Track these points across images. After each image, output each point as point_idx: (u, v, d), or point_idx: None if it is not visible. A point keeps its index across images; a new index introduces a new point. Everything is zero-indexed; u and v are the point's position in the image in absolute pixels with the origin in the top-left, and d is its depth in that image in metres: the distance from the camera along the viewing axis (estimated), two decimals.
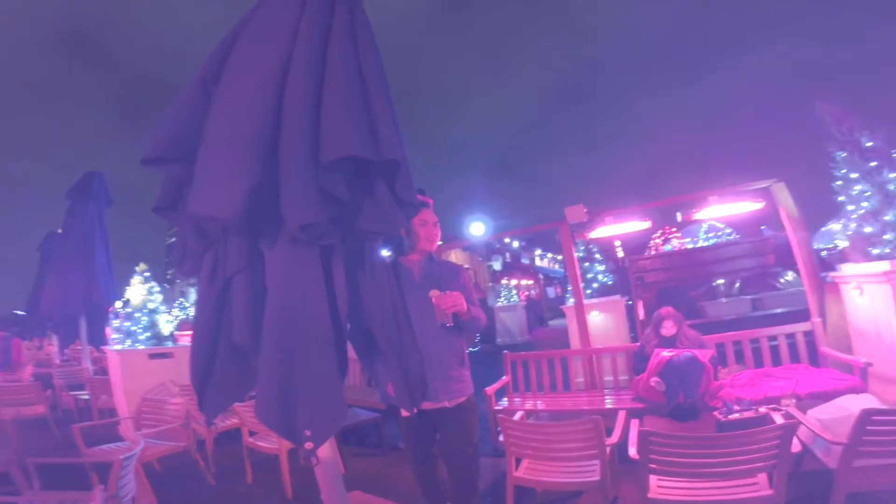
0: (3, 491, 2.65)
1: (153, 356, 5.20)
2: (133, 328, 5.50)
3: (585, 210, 4.55)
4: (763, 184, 4.10)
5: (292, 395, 1.27)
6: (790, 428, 2.03)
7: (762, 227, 8.11)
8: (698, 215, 4.69)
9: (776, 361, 3.88)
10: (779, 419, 2.58)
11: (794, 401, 3.00)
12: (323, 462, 1.64)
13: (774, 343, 3.94)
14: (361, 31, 1.44)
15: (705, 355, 3.47)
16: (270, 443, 3.61)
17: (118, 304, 6.02)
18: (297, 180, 1.24)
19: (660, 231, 9.97)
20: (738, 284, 6.15)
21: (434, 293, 2.07)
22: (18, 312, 8.09)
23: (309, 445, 1.29)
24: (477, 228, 7.16)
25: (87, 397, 5.98)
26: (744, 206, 4.31)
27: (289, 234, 1.26)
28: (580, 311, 4.76)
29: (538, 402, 4.20)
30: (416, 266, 2.28)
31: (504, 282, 25.64)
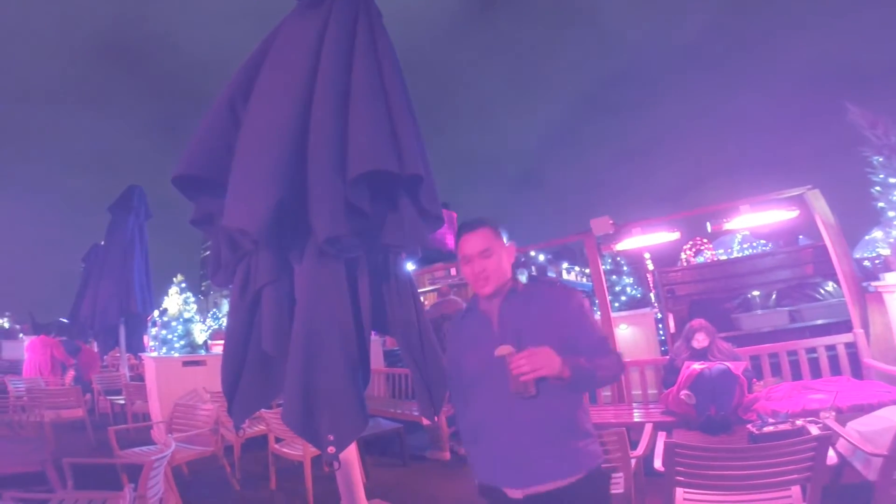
0: (38, 490, 2.75)
1: (187, 363, 5.36)
2: (169, 336, 5.70)
3: (612, 222, 4.48)
4: (796, 191, 3.95)
5: (317, 401, 1.31)
6: (825, 439, 1.94)
7: (799, 237, 7.80)
8: (729, 225, 4.53)
9: (815, 374, 3.71)
10: (815, 431, 2.45)
11: (833, 413, 2.85)
12: (344, 468, 1.66)
13: (814, 356, 3.77)
14: (383, 47, 1.49)
15: (739, 367, 3.34)
16: (295, 450, 3.65)
17: (156, 313, 6.25)
18: (324, 194, 1.29)
19: (690, 242, 9.71)
20: (774, 296, 5.91)
21: (502, 351, 1.32)
22: (62, 320, 8.48)
23: (331, 450, 1.33)
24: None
25: (122, 402, 6.20)
26: (777, 215, 4.15)
27: (316, 248, 1.31)
28: (607, 324, 4.66)
29: None
30: (493, 309, 1.50)
31: None
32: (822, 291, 5.14)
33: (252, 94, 1.43)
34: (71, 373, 7.09)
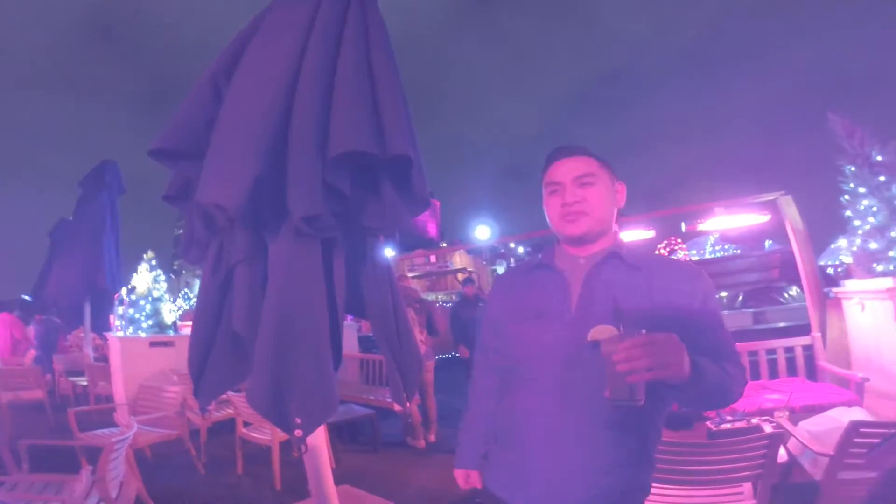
0: None
1: (154, 344, 5.24)
2: (136, 316, 5.56)
3: None
4: (770, 196, 4.07)
5: (285, 383, 1.29)
6: (777, 437, 2.02)
7: (767, 242, 8.04)
8: (703, 226, 4.65)
9: (774, 375, 3.86)
10: (769, 430, 2.56)
11: (787, 413, 2.97)
12: (312, 453, 1.66)
13: (773, 357, 3.91)
14: (375, 30, 1.47)
15: None
16: (263, 434, 3.62)
17: (123, 290, 6.08)
18: (303, 173, 1.27)
19: (665, 241, 9.92)
20: (741, 298, 6.11)
21: (600, 333, 0.95)
22: (25, 297, 8.19)
23: (299, 433, 1.31)
24: (482, 232, 7.15)
25: (85, 384, 6.03)
26: (749, 219, 4.27)
27: (292, 227, 1.29)
28: None
29: None
30: (578, 270, 1.11)
31: None
32: (786, 295, 5.34)
33: (237, 72, 1.40)
34: (31, 352, 6.86)
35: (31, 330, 7.17)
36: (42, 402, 5.48)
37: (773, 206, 4.11)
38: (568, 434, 1.00)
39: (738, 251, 8.03)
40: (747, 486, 2.16)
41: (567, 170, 1.10)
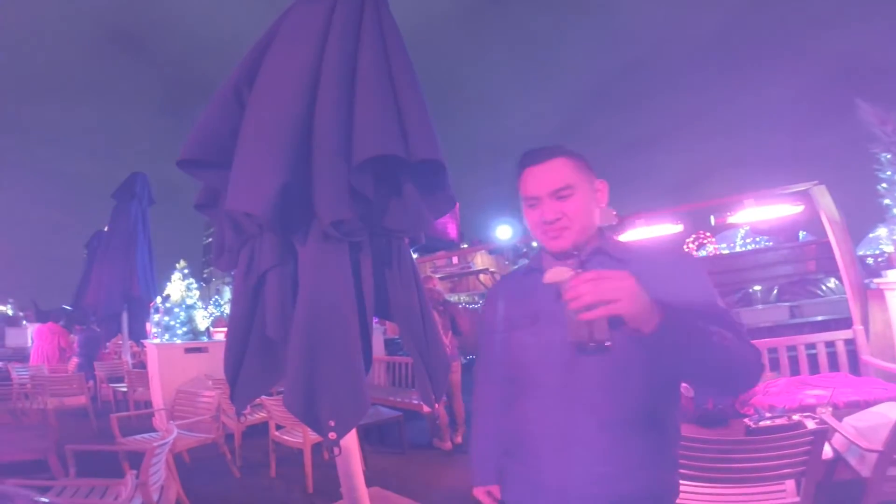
0: (40, 477, 2.78)
1: (189, 350, 5.40)
2: (171, 323, 5.73)
3: (615, 213, 4.47)
4: (802, 186, 3.93)
5: (318, 386, 1.32)
6: (821, 433, 1.94)
7: (800, 234, 7.77)
8: (733, 219, 4.51)
9: (814, 370, 3.71)
10: (812, 426, 2.47)
11: (830, 409, 2.86)
12: (344, 455, 1.68)
13: (812, 352, 3.77)
14: (389, 33, 1.48)
15: None
16: (296, 437, 3.68)
17: (158, 299, 6.28)
18: (329, 178, 1.28)
19: (693, 236, 9.68)
20: (776, 291, 5.91)
21: (556, 275, 0.92)
22: (66, 307, 8.53)
23: (332, 436, 1.33)
24: (504, 232, 7.09)
25: (125, 389, 6.25)
26: (781, 210, 4.13)
27: (320, 231, 1.31)
28: None
29: None
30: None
31: None
32: (824, 288, 5.13)
33: (257, 80, 1.42)
34: (74, 360, 7.15)
35: (73, 338, 7.48)
36: (86, 408, 5.70)
37: (806, 197, 3.96)
38: (576, 439, 0.97)
39: (770, 244, 7.78)
40: (790, 484, 2.11)
41: (542, 182, 1.04)
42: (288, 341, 1.34)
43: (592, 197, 1.07)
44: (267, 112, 1.35)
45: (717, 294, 1.01)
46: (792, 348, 3.86)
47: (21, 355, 7.82)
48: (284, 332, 1.35)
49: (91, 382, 6.62)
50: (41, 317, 7.70)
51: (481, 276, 15.09)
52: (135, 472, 2.28)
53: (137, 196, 6.44)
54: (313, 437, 3.49)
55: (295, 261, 1.38)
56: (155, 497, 2.39)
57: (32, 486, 2.29)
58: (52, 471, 3.21)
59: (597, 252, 1.07)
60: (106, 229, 6.69)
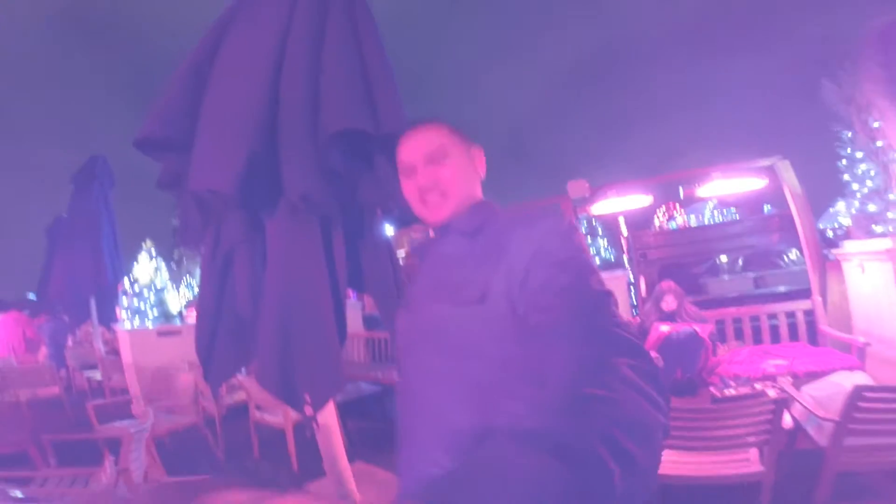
0: (21, 469, 2.74)
1: (162, 334, 5.30)
2: (142, 307, 5.60)
3: (588, 185, 4.53)
4: (767, 161, 4.06)
5: (292, 361, 1.31)
6: (781, 402, 2.04)
7: (766, 207, 8.05)
8: (700, 191, 4.63)
9: (776, 339, 3.91)
10: (773, 395, 2.62)
11: (790, 379, 3.04)
12: (325, 431, 1.69)
13: (775, 322, 3.95)
14: (358, 6, 1.44)
15: (705, 331, 3.47)
16: (276, 417, 3.69)
17: (126, 282, 6.11)
18: (296, 153, 1.26)
19: (664, 207, 9.90)
20: (741, 262, 6.14)
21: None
22: (30, 296, 8.23)
23: (308, 411, 1.33)
24: None
25: (99, 377, 6.12)
26: (747, 183, 4.26)
27: (288, 206, 1.29)
28: None
29: None
30: (435, 252, 1.01)
31: None
32: (786, 259, 5.37)
33: (220, 56, 1.38)
34: (43, 350, 6.94)
35: (39, 328, 7.23)
36: (59, 398, 5.57)
37: (770, 172, 4.10)
38: (433, 438, 0.87)
39: (736, 216, 8.05)
40: (753, 452, 2.19)
41: (415, 147, 0.98)
42: (259, 317, 1.34)
43: (470, 164, 1.00)
44: (229, 89, 1.32)
45: (593, 275, 0.79)
46: (755, 318, 4.03)
47: None
48: (255, 308, 1.34)
49: (63, 371, 6.45)
50: (5, 307, 7.41)
51: None
52: (113, 458, 2.27)
53: (98, 178, 6.19)
54: (294, 416, 3.51)
55: (263, 236, 1.37)
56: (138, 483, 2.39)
57: (13, 478, 2.27)
58: (32, 462, 3.17)
59: (448, 228, 0.97)
60: (66, 215, 6.43)
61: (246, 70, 1.32)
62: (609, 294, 0.77)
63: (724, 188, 4.41)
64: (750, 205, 7.77)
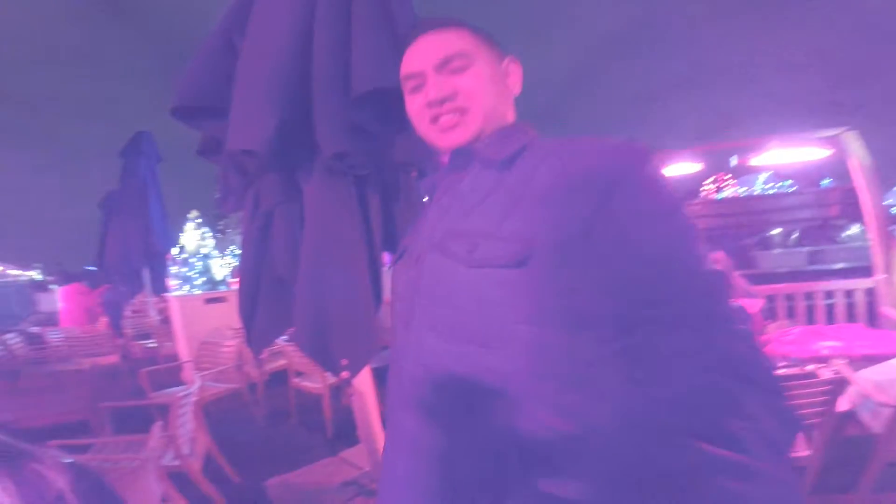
0: (82, 437, 2.89)
1: (209, 301, 5.54)
2: (189, 273, 5.85)
3: None
4: (832, 132, 3.74)
5: (328, 323, 1.31)
6: (838, 384, 1.91)
7: (826, 181, 7.51)
8: (755, 160, 4.32)
9: (831, 320, 3.67)
10: (827, 376, 2.47)
11: (845, 362, 2.85)
12: (360, 397, 1.72)
13: (831, 301, 3.71)
14: None
15: (754, 306, 3.30)
16: (315, 383, 3.81)
17: (174, 250, 6.40)
18: (328, 112, 1.26)
19: (713, 177, 9.40)
20: (795, 235, 5.78)
21: None
22: (89, 268, 8.76)
23: (345, 374, 1.33)
24: None
25: (153, 345, 6.50)
26: (808, 153, 3.94)
27: (324, 166, 1.29)
28: None
29: None
30: (450, 187, 0.78)
31: None
32: (846, 234, 5.00)
33: (249, 19, 1.37)
34: (103, 320, 7.40)
35: (99, 298, 7.71)
36: (118, 367, 5.95)
37: (835, 143, 3.77)
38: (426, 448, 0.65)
39: (793, 188, 7.54)
40: (800, 436, 2.10)
41: (425, 52, 0.74)
42: (297, 280, 1.34)
43: (500, 77, 0.76)
44: (261, 51, 1.31)
45: (698, 249, 0.56)
46: (809, 296, 3.80)
47: (54, 319, 8.13)
48: (294, 270, 1.35)
49: (120, 340, 6.89)
50: (68, 279, 7.93)
51: None
52: (162, 423, 2.37)
53: (144, 153, 6.44)
54: (332, 382, 3.61)
55: (301, 197, 1.37)
56: (185, 450, 2.52)
57: (73, 445, 2.42)
58: (92, 430, 3.39)
59: (466, 157, 0.74)
60: (117, 188, 6.74)
61: (276, 31, 1.31)
62: (723, 276, 0.55)
63: (783, 157, 4.10)
64: (808, 177, 7.27)
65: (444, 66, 0.73)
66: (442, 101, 0.72)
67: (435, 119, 0.74)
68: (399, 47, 1.24)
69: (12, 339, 5.72)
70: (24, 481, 0.60)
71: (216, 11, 1.47)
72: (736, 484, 0.39)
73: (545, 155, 0.65)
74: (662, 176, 0.60)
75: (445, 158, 0.80)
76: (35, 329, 8.11)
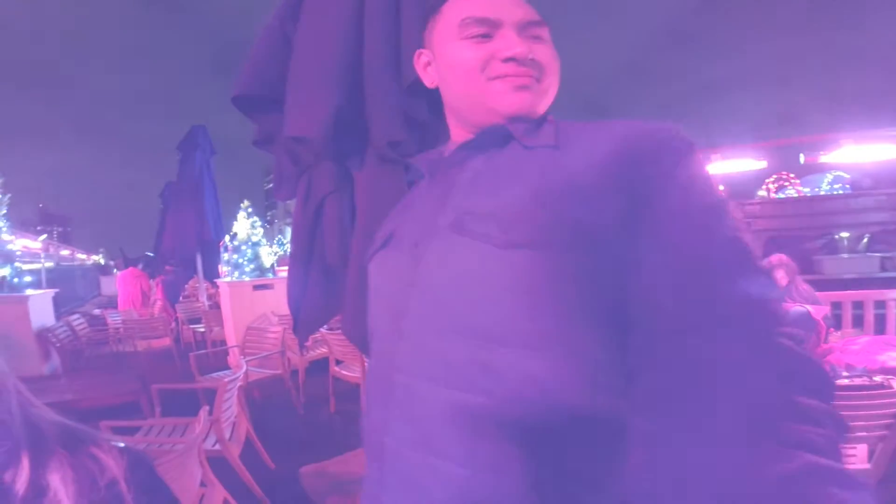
0: (131, 418, 3.03)
1: (257, 287, 5.74)
2: (240, 260, 6.10)
3: None
4: None
5: None
6: None
7: None
8: (826, 158, 4.02)
9: None
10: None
11: None
12: None
13: None
14: None
15: (819, 312, 3.10)
16: (353, 372, 3.87)
17: (227, 238, 6.69)
18: (381, 101, 1.27)
19: (774, 176, 8.84)
20: (866, 240, 5.35)
21: None
22: (148, 254, 9.29)
23: None
24: None
25: (203, 329, 6.80)
26: (885, 150, 3.62)
27: (375, 155, 1.30)
28: None
29: None
30: (461, 170, 0.68)
31: None
32: None
33: (302, 10, 1.40)
34: (158, 303, 7.82)
35: (158, 282, 8.15)
36: (170, 350, 6.25)
37: None
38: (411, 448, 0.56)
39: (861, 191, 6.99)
40: (862, 448, 1.97)
41: (508, 4, 0.66)
42: (347, 269, 1.35)
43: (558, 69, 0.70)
44: (315, 41, 1.34)
45: (751, 250, 0.49)
46: (880, 304, 3.52)
47: (115, 302, 8.67)
48: (344, 259, 1.36)
49: (174, 324, 7.25)
50: (128, 264, 8.44)
51: None
52: (207, 407, 2.45)
53: (200, 146, 6.78)
54: None
55: (352, 186, 1.39)
56: (227, 434, 2.60)
57: (123, 427, 2.54)
58: (142, 411, 3.57)
59: (490, 135, 0.66)
60: (175, 179, 7.11)
61: (329, 21, 1.33)
62: (771, 276, 0.49)
63: (857, 155, 3.79)
64: (883, 178, 6.71)
65: (525, 28, 0.66)
66: (525, 60, 0.64)
67: (505, 74, 0.64)
68: None
69: (76, 320, 6.12)
70: (82, 466, 0.60)
71: (265, 9, 1.50)
72: (847, 494, 0.36)
73: (585, 139, 0.59)
74: (705, 167, 0.54)
75: (460, 136, 0.73)
76: (97, 311, 8.67)
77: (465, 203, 0.61)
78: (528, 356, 0.49)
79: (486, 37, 0.65)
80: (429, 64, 0.75)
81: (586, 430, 0.48)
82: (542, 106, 0.67)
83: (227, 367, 4.77)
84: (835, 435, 0.40)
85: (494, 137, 0.66)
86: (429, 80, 0.77)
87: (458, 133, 0.74)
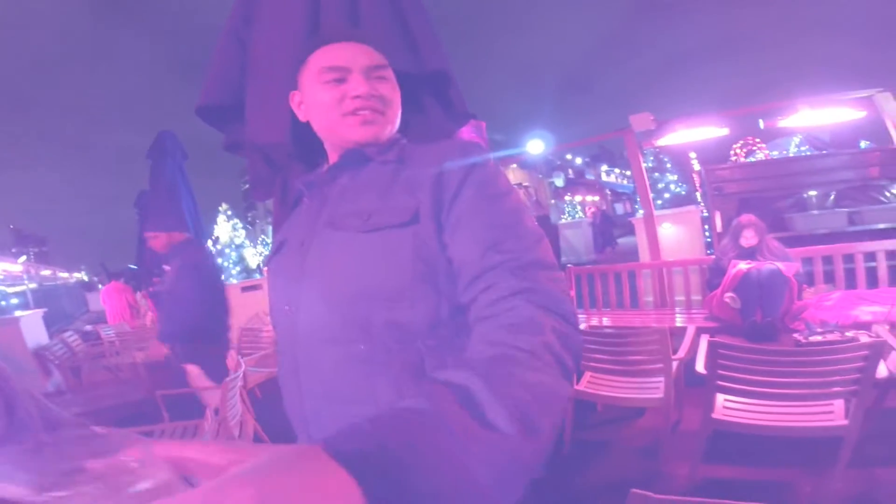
0: (140, 425, 3.09)
1: (245, 289, 5.72)
2: (225, 264, 6.07)
3: (652, 118, 4.25)
4: (864, 93, 3.58)
5: None
6: (877, 348, 1.85)
7: (863, 143, 7.15)
8: (784, 122, 4.16)
9: (872, 284, 3.55)
10: (867, 341, 2.41)
11: (888, 327, 2.77)
12: None
13: (872, 264, 3.59)
14: None
15: (791, 269, 3.20)
16: None
17: (209, 242, 6.62)
18: None
19: (741, 141, 9.08)
20: (832, 197, 5.58)
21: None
22: (131, 266, 9.15)
23: None
24: (536, 146, 6.73)
25: None
26: (839, 114, 3.78)
27: None
28: (650, 223, 4.59)
29: (603, 318, 4.19)
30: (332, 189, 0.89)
31: (567, 198, 25.29)
32: (888, 194, 4.79)
33: (254, 15, 1.38)
34: (150, 314, 7.73)
35: (146, 295, 8.03)
36: (168, 357, 6.18)
37: (868, 104, 3.61)
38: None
39: (826, 151, 7.25)
40: (838, 405, 2.03)
41: (357, 54, 0.85)
42: None
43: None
44: (269, 43, 1.32)
45: (529, 213, 0.74)
46: (849, 259, 3.68)
47: (104, 317, 8.55)
48: None
49: None
50: (111, 278, 8.31)
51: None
52: (214, 408, 2.53)
53: (169, 152, 6.62)
54: None
55: None
56: (235, 433, 2.67)
57: (140, 432, 2.58)
58: (149, 419, 3.59)
59: (353, 154, 0.86)
60: (148, 188, 6.98)
61: (282, 24, 1.31)
62: (545, 237, 0.71)
63: (813, 119, 3.95)
64: (844, 140, 6.95)
65: (371, 71, 0.86)
66: (369, 97, 0.84)
67: (355, 111, 0.84)
68: (407, 31, 1.22)
69: (70, 336, 6.06)
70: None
71: (224, 10, 1.49)
72: (529, 373, 0.51)
73: (419, 156, 0.82)
74: (498, 167, 0.78)
75: (334, 157, 0.92)
76: (89, 327, 8.55)
77: (337, 209, 0.81)
78: (391, 307, 0.71)
79: (341, 80, 0.85)
80: (301, 103, 0.94)
81: (433, 355, 0.70)
82: (387, 132, 0.88)
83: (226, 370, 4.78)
84: (550, 340, 0.56)
85: (355, 158, 0.86)
86: (301, 116, 0.95)
87: (331, 155, 0.95)
